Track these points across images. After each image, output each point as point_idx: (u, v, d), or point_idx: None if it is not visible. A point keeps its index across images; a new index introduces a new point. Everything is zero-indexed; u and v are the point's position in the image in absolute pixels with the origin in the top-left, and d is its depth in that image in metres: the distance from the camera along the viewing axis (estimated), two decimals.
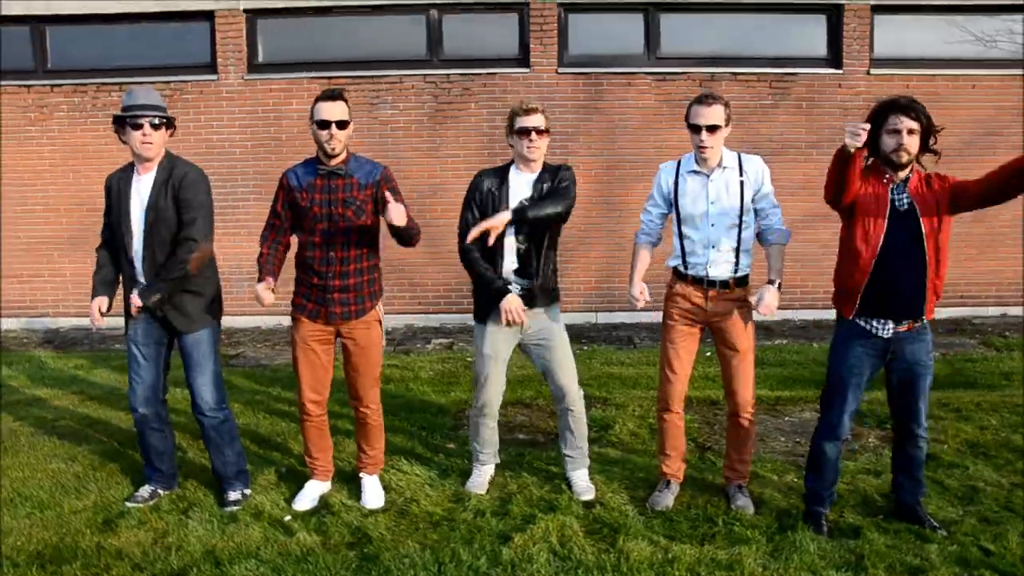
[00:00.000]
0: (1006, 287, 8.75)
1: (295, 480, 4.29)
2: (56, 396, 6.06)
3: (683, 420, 4.10)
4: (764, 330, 8.01)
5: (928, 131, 3.48)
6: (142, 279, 3.91)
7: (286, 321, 7.81)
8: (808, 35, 8.64)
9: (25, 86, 8.61)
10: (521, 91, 8.31)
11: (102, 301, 4.01)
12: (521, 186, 3.95)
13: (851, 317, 3.63)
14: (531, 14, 8.42)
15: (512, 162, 4.03)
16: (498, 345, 4.05)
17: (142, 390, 4.05)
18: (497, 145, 8.30)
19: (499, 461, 4.40)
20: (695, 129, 3.78)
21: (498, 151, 8.10)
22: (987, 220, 8.45)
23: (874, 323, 3.59)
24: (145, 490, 4.16)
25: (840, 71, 8.52)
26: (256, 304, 3.88)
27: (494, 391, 4.14)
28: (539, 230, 3.91)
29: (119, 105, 3.89)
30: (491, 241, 3.76)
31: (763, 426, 5.19)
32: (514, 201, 3.91)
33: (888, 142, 3.47)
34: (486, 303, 4.02)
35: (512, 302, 3.87)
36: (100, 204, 4.12)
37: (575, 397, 4.14)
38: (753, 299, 3.82)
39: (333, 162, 3.83)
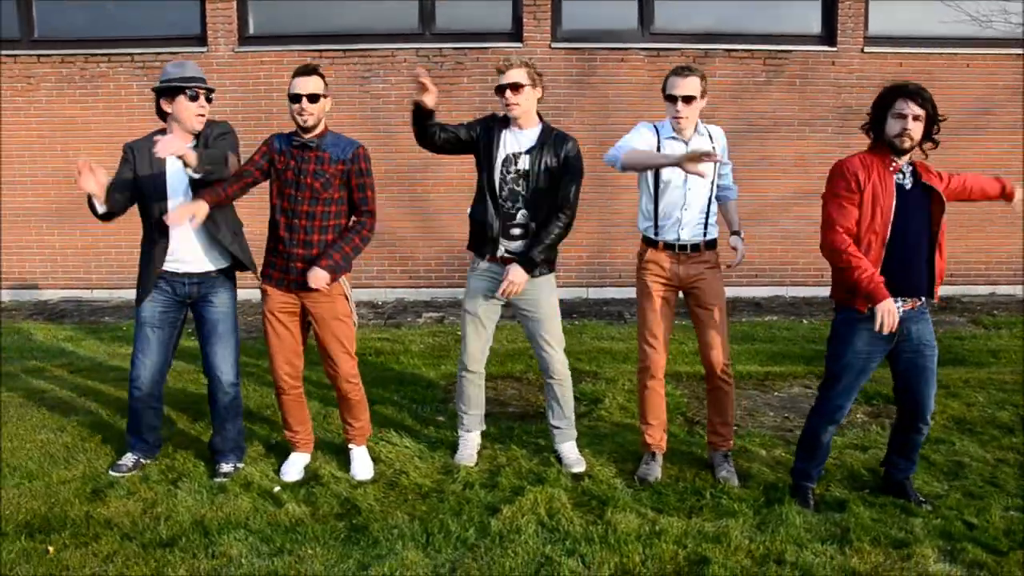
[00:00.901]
0: (995, 266, 8.78)
1: (284, 452, 4.29)
2: (45, 368, 6.03)
3: (664, 389, 4.13)
4: (755, 306, 8.04)
5: (933, 119, 3.48)
6: (175, 243, 3.90)
7: None
8: (802, 12, 8.57)
9: (11, 56, 8.47)
10: None
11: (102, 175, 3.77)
12: (511, 143, 3.97)
13: (866, 310, 3.49)
14: None
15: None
16: (477, 302, 4.12)
17: (147, 372, 4.04)
18: None
19: (484, 428, 4.41)
20: (671, 99, 3.87)
21: None
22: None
23: None
24: (128, 459, 4.16)
25: (834, 49, 8.46)
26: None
27: (474, 348, 4.18)
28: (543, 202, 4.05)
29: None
30: None
31: (752, 401, 5.21)
32: (499, 154, 3.97)
33: (893, 126, 3.45)
34: (479, 247, 4.10)
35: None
36: None
37: (560, 368, 4.15)
38: (732, 256, 4.03)
39: (308, 136, 3.86)
